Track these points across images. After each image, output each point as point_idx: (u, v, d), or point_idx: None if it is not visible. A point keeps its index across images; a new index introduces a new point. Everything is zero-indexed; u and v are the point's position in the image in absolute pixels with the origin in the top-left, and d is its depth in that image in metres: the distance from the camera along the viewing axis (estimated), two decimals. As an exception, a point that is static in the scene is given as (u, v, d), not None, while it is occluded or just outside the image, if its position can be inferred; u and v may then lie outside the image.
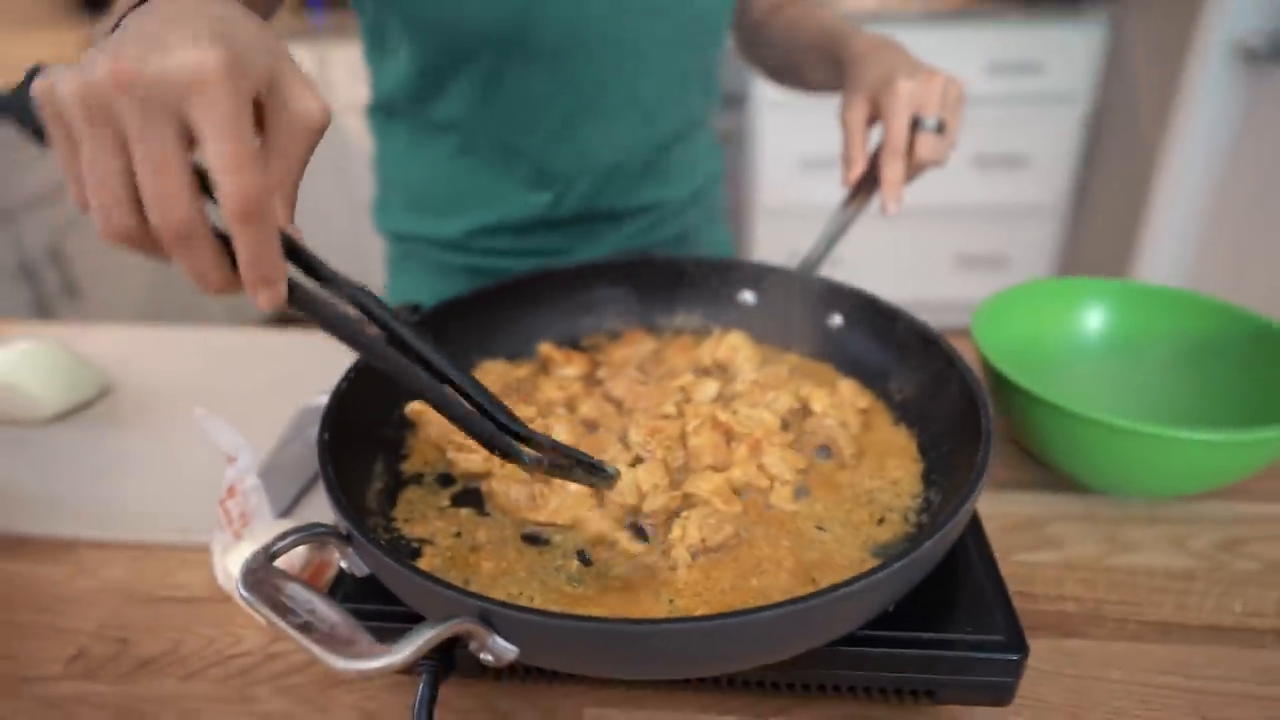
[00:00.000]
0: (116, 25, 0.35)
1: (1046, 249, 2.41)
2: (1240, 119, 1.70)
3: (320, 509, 0.53)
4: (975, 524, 0.41)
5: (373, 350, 0.33)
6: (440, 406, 0.34)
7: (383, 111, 0.75)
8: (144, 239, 0.29)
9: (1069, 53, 2.16)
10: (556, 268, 0.57)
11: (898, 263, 2.30)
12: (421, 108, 0.70)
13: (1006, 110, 2.22)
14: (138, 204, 0.28)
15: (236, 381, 0.66)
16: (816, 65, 0.71)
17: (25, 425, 0.61)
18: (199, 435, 0.45)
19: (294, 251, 0.32)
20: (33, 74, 0.32)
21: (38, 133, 0.32)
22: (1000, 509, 0.51)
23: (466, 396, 0.35)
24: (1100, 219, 2.22)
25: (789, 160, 2.30)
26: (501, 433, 0.35)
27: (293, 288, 0.30)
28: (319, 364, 0.63)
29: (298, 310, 0.31)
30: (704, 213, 0.81)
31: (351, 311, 0.34)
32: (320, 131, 0.31)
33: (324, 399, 0.59)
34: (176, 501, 0.53)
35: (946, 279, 2.45)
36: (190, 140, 0.28)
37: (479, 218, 0.73)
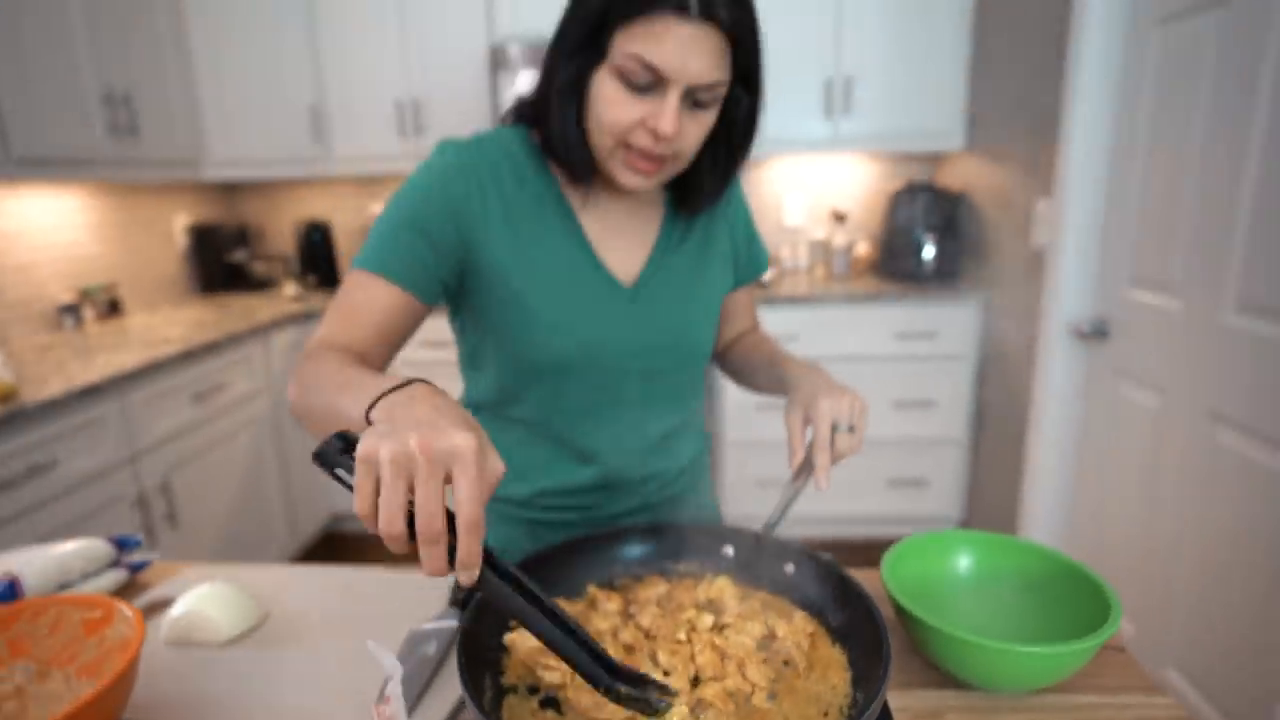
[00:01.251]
0: (379, 398, 0.52)
1: (956, 472, 2.58)
2: (1084, 376, 1.94)
3: (428, 712, 0.63)
4: (886, 713, 0.54)
5: (525, 618, 0.47)
6: (562, 651, 0.48)
7: (471, 408, 0.91)
8: (406, 540, 0.44)
9: (956, 323, 2.44)
10: (599, 532, 0.72)
11: (843, 487, 2.46)
12: (501, 409, 0.88)
13: (914, 366, 2.48)
14: (410, 520, 0.43)
15: (359, 609, 0.78)
16: (765, 380, 0.90)
17: (208, 647, 0.72)
18: (339, 654, 0.56)
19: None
20: (342, 437, 0.48)
21: (336, 476, 0.48)
22: (907, 703, 0.63)
23: (572, 634, 0.49)
24: (993, 446, 2.41)
25: (748, 404, 2.52)
26: (595, 663, 0.49)
27: (480, 574, 0.45)
28: (419, 598, 0.76)
29: (482, 588, 0.45)
30: (694, 480, 0.97)
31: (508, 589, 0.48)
32: (500, 480, 0.47)
33: (429, 625, 0.72)
34: (331, 709, 0.63)
35: (881, 498, 2.60)
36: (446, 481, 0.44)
37: (538, 484, 0.88)
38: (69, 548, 0.80)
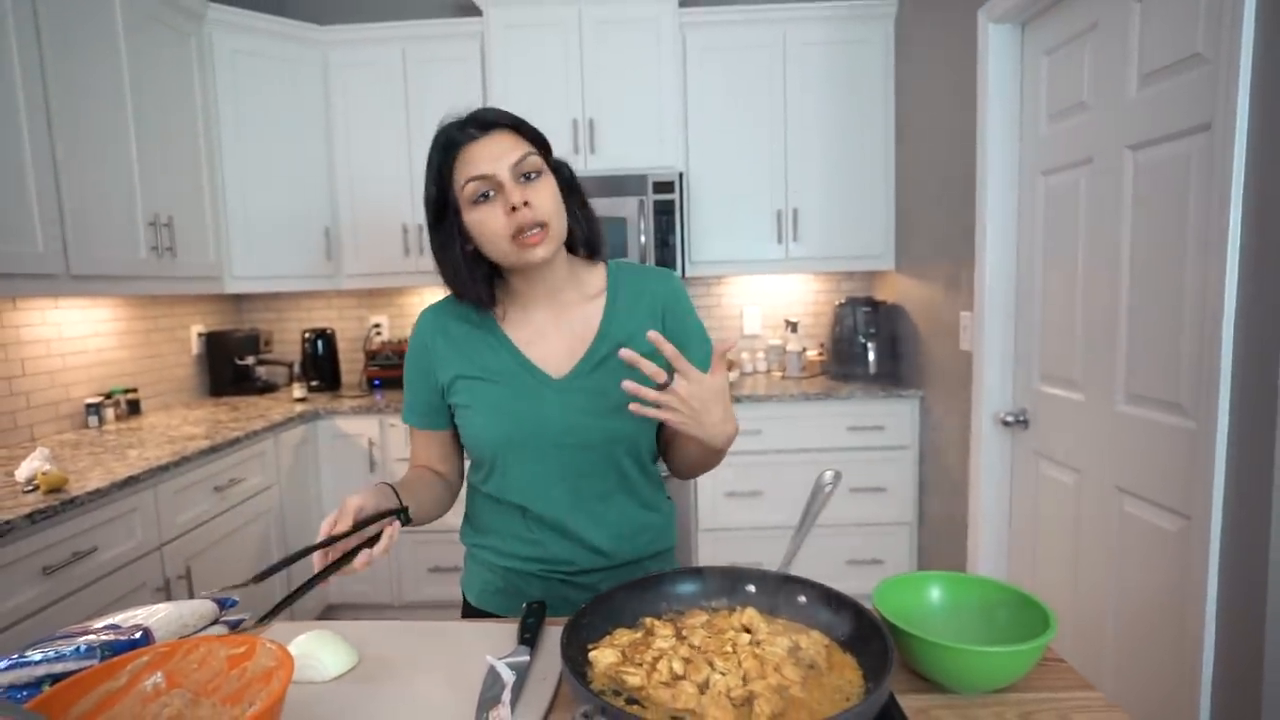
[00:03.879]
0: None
1: (906, 550, 2.72)
2: (1010, 459, 2.14)
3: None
4: (897, 707, 0.66)
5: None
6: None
7: (471, 490, 1.09)
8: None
9: (898, 417, 2.64)
10: (649, 576, 0.84)
11: (806, 566, 2.57)
12: (483, 486, 1.05)
13: (865, 455, 2.65)
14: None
15: (439, 652, 0.87)
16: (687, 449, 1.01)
17: (317, 685, 0.81)
18: (429, 688, 0.68)
19: None
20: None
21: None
22: (905, 704, 0.75)
23: None
24: (937, 525, 2.56)
25: (718, 494, 2.65)
26: None
27: None
28: (488, 643, 0.85)
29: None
30: (654, 548, 1.07)
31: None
32: None
33: (507, 659, 0.81)
34: (436, 724, 0.72)
35: (841, 575, 2.71)
36: None
37: (509, 544, 1.04)
38: (184, 605, 0.88)
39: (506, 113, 0.94)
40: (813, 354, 3.08)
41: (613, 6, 2.73)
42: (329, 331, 3.11)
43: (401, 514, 0.87)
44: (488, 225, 0.90)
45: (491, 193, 0.90)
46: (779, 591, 0.82)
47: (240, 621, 0.94)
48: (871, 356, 2.79)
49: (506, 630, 0.91)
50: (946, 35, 2.35)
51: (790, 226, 2.87)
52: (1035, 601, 0.80)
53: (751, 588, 0.84)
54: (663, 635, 0.75)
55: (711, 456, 0.95)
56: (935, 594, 0.87)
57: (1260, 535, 1.21)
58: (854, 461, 2.64)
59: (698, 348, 1.01)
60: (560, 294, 1.00)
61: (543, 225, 0.90)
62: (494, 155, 0.89)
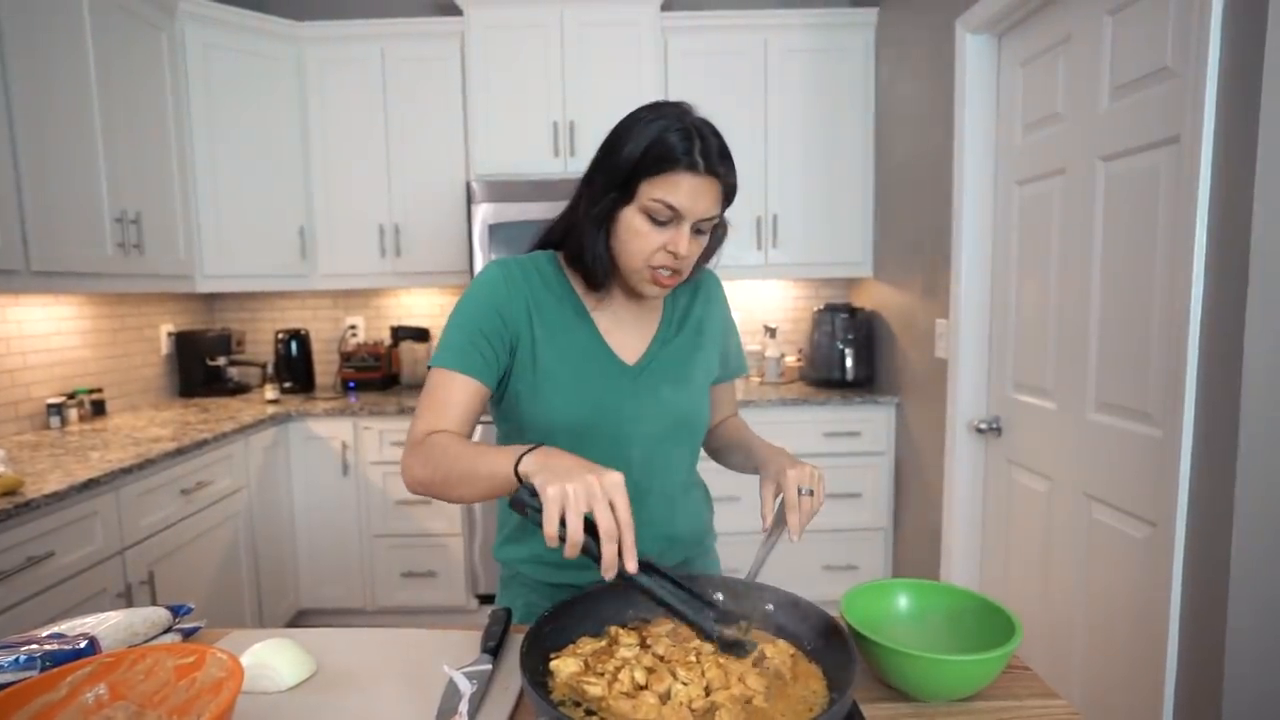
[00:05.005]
0: (521, 457, 0.72)
1: (881, 556, 2.73)
2: (984, 466, 2.15)
3: (480, 736, 0.71)
4: (860, 714, 0.66)
5: (655, 597, 0.68)
6: (686, 618, 0.72)
7: None
8: (583, 549, 0.66)
9: (874, 424, 2.65)
10: (611, 583, 0.82)
11: (783, 572, 2.57)
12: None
13: (840, 461, 2.66)
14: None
15: (399, 661, 0.85)
16: (739, 459, 1.04)
17: (272, 694, 0.78)
18: (388, 697, 0.67)
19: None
20: (529, 486, 0.68)
21: (528, 512, 0.67)
22: (868, 714, 0.74)
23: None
24: (911, 531, 2.57)
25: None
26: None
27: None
28: (449, 651, 0.84)
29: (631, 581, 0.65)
30: (699, 549, 1.08)
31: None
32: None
33: (468, 668, 0.80)
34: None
35: (816, 581, 2.71)
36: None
37: (546, 551, 0.99)
38: (136, 613, 0.85)
39: (730, 161, 0.89)
40: (791, 360, 3.09)
41: (594, 9, 2.72)
42: (303, 332, 3.07)
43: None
44: (639, 242, 0.88)
45: (668, 223, 0.87)
46: (746, 599, 0.81)
47: (197, 629, 0.91)
48: (849, 363, 2.80)
49: (470, 639, 0.89)
50: (925, 45, 2.37)
51: (770, 233, 2.88)
52: (1001, 609, 0.80)
53: (719, 595, 0.83)
54: (626, 644, 0.74)
55: None
56: (903, 602, 0.87)
57: (1222, 542, 1.23)
58: (830, 467, 2.65)
59: (734, 335, 1.13)
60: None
61: (678, 274, 0.91)
62: (697, 199, 0.86)
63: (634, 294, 0.97)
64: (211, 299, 3.23)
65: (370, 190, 2.87)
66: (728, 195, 0.90)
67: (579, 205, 0.94)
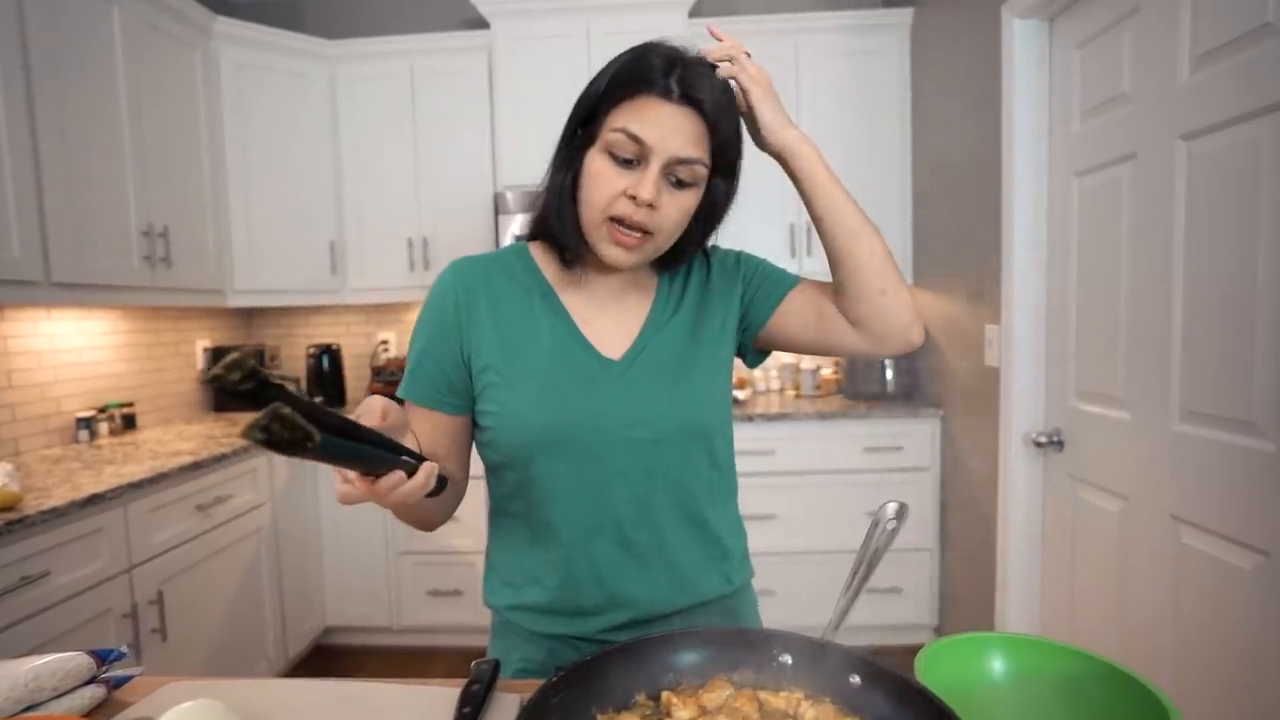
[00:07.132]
0: None
1: (928, 578, 2.46)
2: (1043, 483, 1.89)
3: None
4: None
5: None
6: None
7: (490, 511, 0.85)
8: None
9: (917, 437, 2.40)
10: (650, 636, 0.61)
11: (821, 596, 2.31)
12: (508, 503, 0.79)
13: (881, 476, 2.41)
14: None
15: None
16: (826, 243, 0.83)
17: (188, 775, 0.59)
18: None
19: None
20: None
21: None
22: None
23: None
24: (960, 552, 2.30)
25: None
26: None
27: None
28: (416, 712, 0.64)
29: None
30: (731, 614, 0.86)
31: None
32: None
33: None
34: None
35: (857, 606, 2.44)
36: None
37: (549, 591, 0.78)
38: (39, 663, 0.67)
39: (721, 96, 0.71)
40: (827, 372, 2.85)
41: (621, 18, 2.56)
42: (335, 347, 2.94)
43: (440, 484, 0.64)
44: (598, 185, 0.70)
45: (633, 162, 0.69)
46: (822, 664, 0.59)
47: (127, 679, 0.73)
48: (889, 374, 2.55)
49: (446, 696, 0.69)
50: (967, 38, 2.14)
51: (804, 240, 2.66)
52: (1142, 684, 0.57)
53: (787, 658, 0.61)
54: (679, 716, 0.53)
55: (857, 240, 0.81)
56: (997, 665, 0.64)
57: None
58: (872, 483, 2.39)
59: (762, 264, 0.86)
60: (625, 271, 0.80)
61: (646, 234, 0.71)
62: (669, 132, 0.68)
63: (612, 269, 0.77)
64: (249, 315, 3.13)
65: (400, 203, 2.74)
66: (718, 140, 0.71)
67: (552, 164, 0.76)
